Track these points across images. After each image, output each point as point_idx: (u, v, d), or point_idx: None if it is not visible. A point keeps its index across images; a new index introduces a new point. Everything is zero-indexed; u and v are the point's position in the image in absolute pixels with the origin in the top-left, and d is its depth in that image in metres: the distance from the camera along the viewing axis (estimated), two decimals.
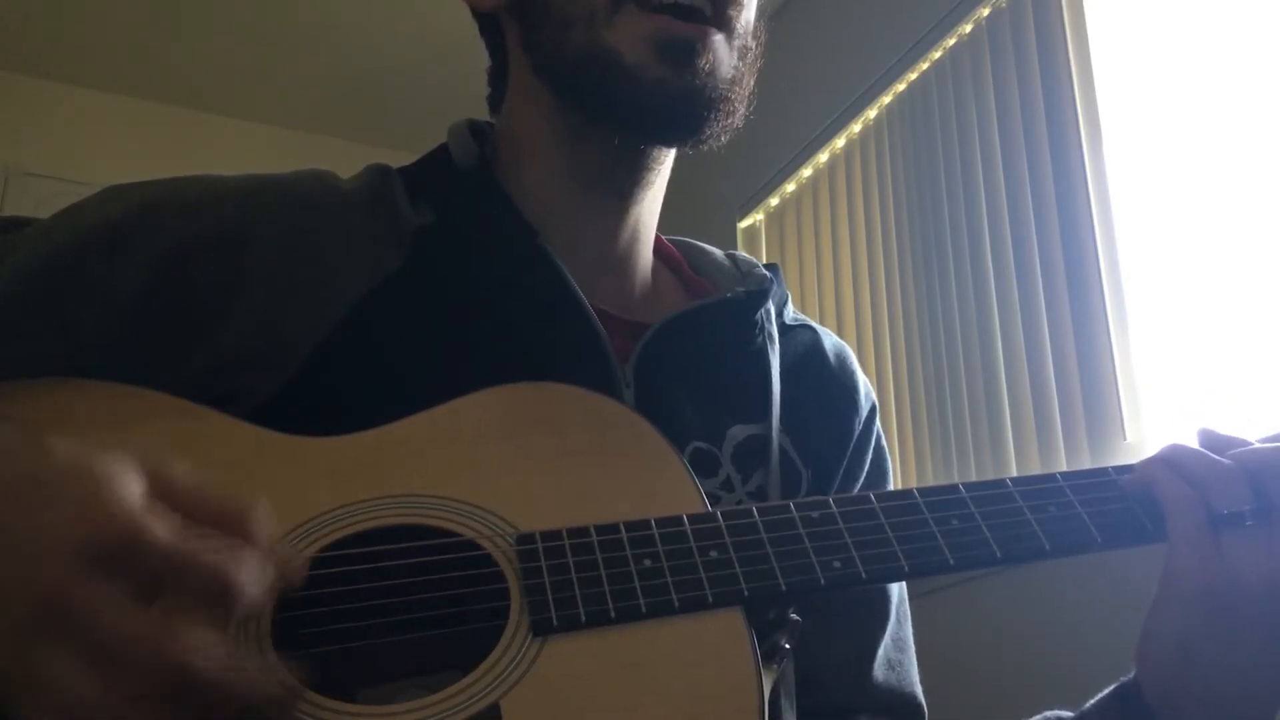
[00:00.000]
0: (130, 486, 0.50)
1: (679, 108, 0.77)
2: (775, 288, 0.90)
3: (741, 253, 0.96)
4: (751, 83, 0.82)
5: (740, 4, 0.80)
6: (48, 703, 0.47)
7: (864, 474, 0.92)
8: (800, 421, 0.86)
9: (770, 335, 0.88)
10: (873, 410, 0.94)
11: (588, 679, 0.57)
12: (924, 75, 2.75)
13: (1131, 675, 0.71)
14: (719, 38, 0.78)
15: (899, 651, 0.90)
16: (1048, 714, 0.78)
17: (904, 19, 2.79)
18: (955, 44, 2.66)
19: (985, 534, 0.66)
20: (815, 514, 0.65)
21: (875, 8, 2.96)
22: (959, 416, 2.42)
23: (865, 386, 0.94)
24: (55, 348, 0.71)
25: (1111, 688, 0.73)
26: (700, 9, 0.77)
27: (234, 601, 0.50)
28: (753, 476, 0.81)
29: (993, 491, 0.68)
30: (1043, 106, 2.35)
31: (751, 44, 0.82)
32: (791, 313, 0.94)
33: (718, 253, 0.95)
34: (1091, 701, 0.74)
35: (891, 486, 0.95)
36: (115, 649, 0.47)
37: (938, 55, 2.70)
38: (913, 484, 2.51)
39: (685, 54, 0.76)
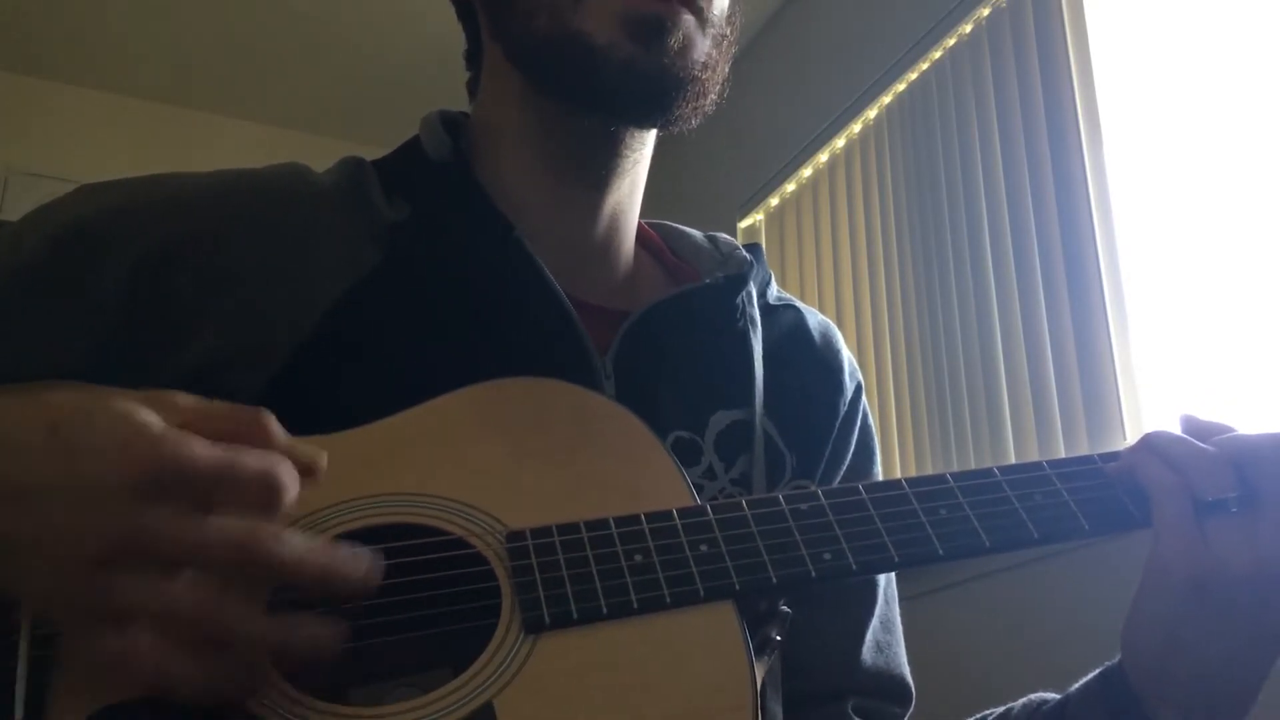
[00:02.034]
0: (150, 417, 0.52)
1: (648, 86, 0.77)
2: (756, 269, 0.89)
3: (722, 235, 0.95)
4: (726, 68, 0.82)
5: None
6: (146, 620, 0.49)
7: (850, 454, 0.91)
8: (784, 405, 0.86)
9: (752, 319, 0.87)
10: (858, 389, 0.93)
11: (581, 676, 0.57)
12: (924, 75, 2.75)
13: (1117, 660, 0.71)
14: (689, 19, 0.77)
15: (887, 634, 0.91)
16: (1033, 696, 0.78)
17: (904, 19, 2.79)
18: (955, 44, 2.65)
19: (974, 523, 0.66)
20: (804, 506, 0.66)
21: (875, 8, 2.96)
22: (959, 417, 2.42)
23: (850, 364, 0.94)
24: (35, 354, 0.71)
25: (1097, 672, 0.73)
26: None
27: (281, 498, 0.53)
28: (736, 463, 0.81)
29: (980, 481, 0.68)
30: (1043, 106, 2.34)
31: (726, 29, 0.82)
32: (775, 292, 0.93)
33: (698, 235, 0.95)
34: (1077, 685, 0.75)
35: (879, 465, 0.95)
36: (197, 551, 0.50)
37: (938, 55, 2.70)
38: None
39: (655, 31, 0.76)
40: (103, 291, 0.72)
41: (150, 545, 0.50)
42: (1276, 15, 1.93)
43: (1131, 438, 2.02)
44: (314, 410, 0.67)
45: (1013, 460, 2.25)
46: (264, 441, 0.55)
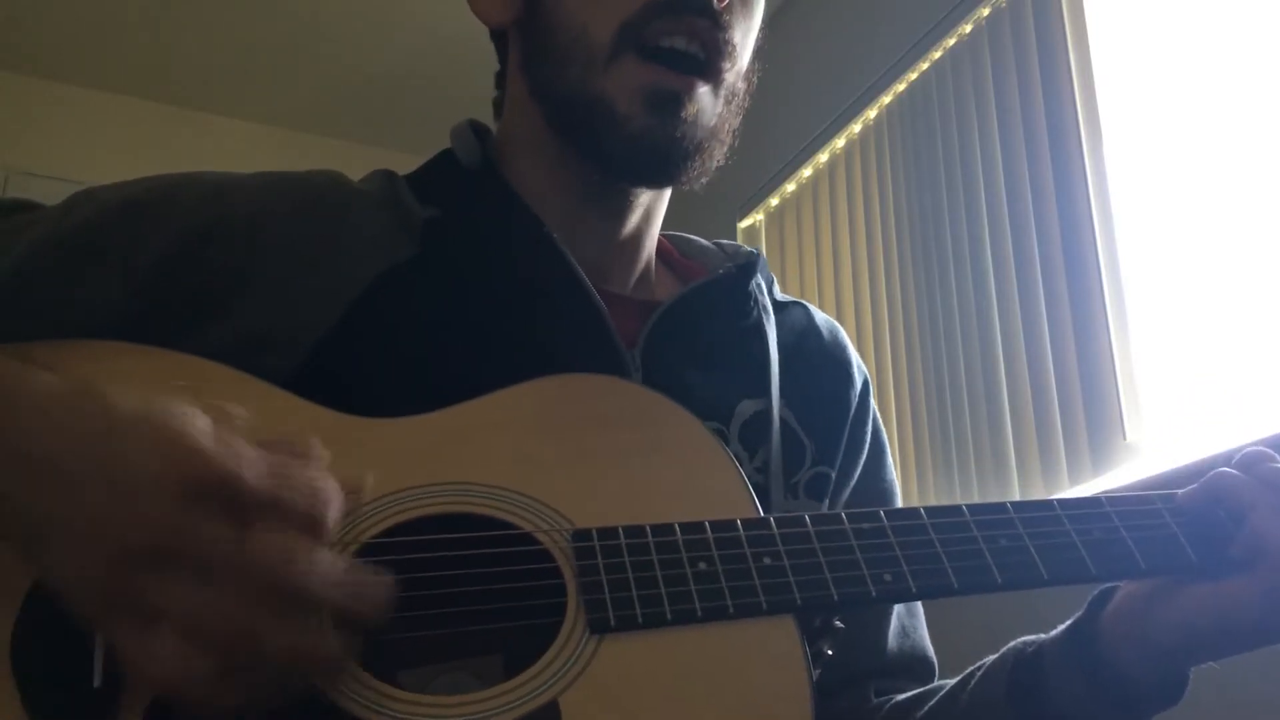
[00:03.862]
0: (204, 423, 0.53)
1: (657, 155, 0.80)
2: (761, 265, 0.92)
3: (725, 240, 0.98)
4: (736, 123, 0.85)
5: (734, 58, 0.82)
6: (171, 627, 0.49)
7: (866, 448, 0.93)
8: (800, 395, 0.88)
9: (765, 308, 0.90)
10: (866, 383, 0.96)
11: (644, 680, 0.58)
12: (924, 75, 2.75)
13: (1088, 620, 0.73)
14: (704, 89, 0.80)
15: (911, 618, 0.93)
16: (1014, 643, 0.80)
17: (904, 19, 2.79)
18: (955, 44, 2.66)
19: (1033, 555, 0.66)
20: (866, 525, 0.66)
21: (875, 8, 2.96)
22: (959, 416, 2.42)
23: (857, 360, 0.97)
24: (72, 317, 0.72)
25: (1067, 630, 0.75)
26: (695, 55, 0.79)
27: (324, 531, 0.53)
28: (758, 452, 0.82)
29: (1040, 513, 0.69)
30: (1043, 106, 2.34)
31: (740, 88, 0.84)
32: (779, 292, 0.96)
33: (702, 240, 0.98)
34: (1050, 637, 0.76)
35: (890, 459, 0.97)
36: (231, 566, 0.50)
37: (938, 55, 2.70)
38: (911, 482, 2.52)
39: (671, 105, 0.79)
40: (142, 263, 0.74)
41: (184, 550, 0.50)
42: (1276, 15, 1.93)
43: (1131, 438, 2.03)
44: (341, 394, 0.69)
45: (1011, 459, 2.26)
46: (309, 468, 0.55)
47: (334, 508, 0.54)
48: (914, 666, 0.90)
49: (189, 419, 0.53)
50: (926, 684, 0.90)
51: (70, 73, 3.68)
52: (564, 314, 0.80)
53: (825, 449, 0.88)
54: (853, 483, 0.92)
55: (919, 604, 0.94)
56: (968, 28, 2.62)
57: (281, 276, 0.75)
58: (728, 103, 0.83)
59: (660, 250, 0.96)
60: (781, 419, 0.85)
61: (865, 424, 0.94)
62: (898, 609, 0.91)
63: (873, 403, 0.96)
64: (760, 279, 0.91)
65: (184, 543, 0.50)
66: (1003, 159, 2.43)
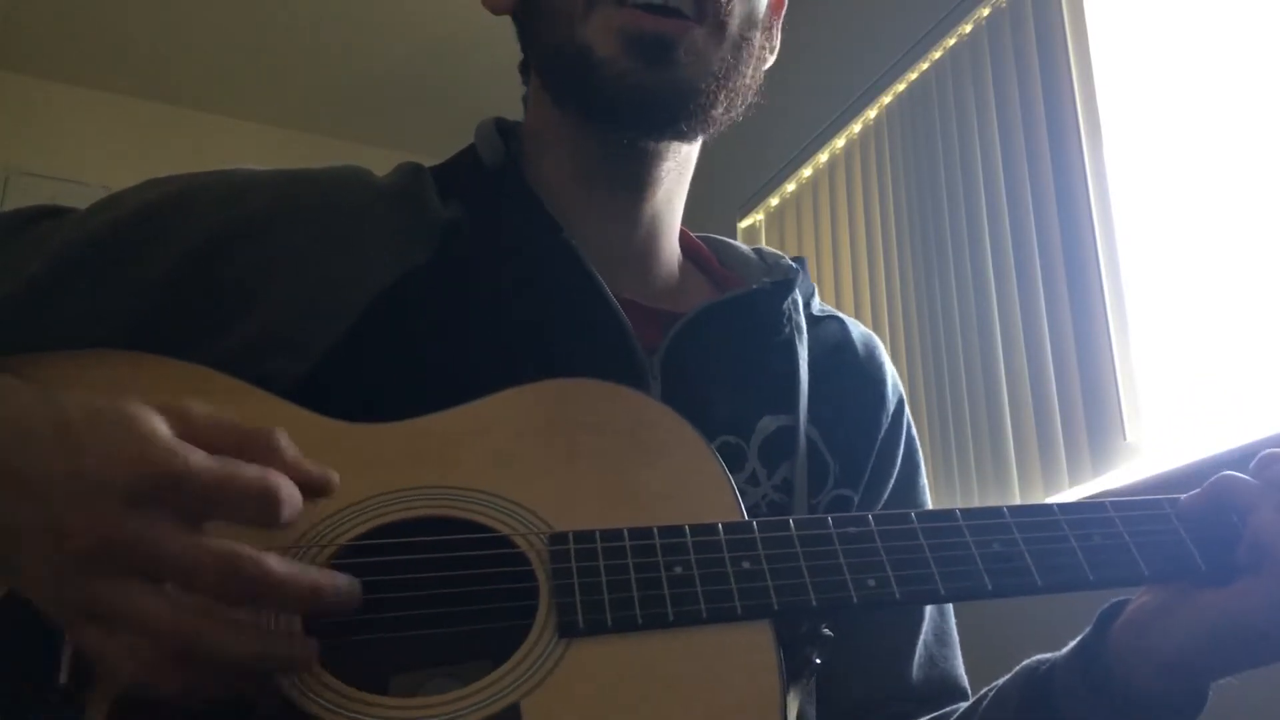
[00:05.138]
0: (155, 423, 0.53)
1: (645, 100, 0.78)
2: (802, 279, 0.90)
3: (768, 247, 0.96)
4: (750, 74, 0.83)
5: (729, 3, 0.79)
6: (125, 628, 0.50)
7: (897, 469, 0.91)
8: (829, 413, 0.86)
9: (798, 326, 0.88)
10: (901, 402, 0.93)
11: (610, 685, 0.57)
12: (924, 75, 2.75)
13: (1096, 634, 0.71)
14: (698, 32, 0.78)
15: (940, 645, 0.90)
16: (1026, 662, 0.78)
17: (904, 19, 2.79)
18: (955, 44, 2.65)
19: (1027, 560, 0.64)
20: (853, 530, 0.64)
21: (875, 8, 2.96)
22: (959, 417, 2.42)
23: (893, 378, 0.94)
24: (86, 325, 0.73)
25: (1075, 645, 0.73)
26: (676, 7, 0.77)
27: (276, 517, 0.53)
28: (779, 469, 0.81)
29: (1038, 518, 0.66)
30: (1043, 106, 2.34)
31: (752, 35, 0.82)
32: (819, 304, 0.94)
33: (744, 247, 0.96)
34: (1062, 655, 0.74)
35: (924, 477, 0.94)
36: (180, 568, 0.51)
37: (938, 55, 2.70)
38: None
39: (654, 49, 0.77)
40: (155, 271, 0.74)
41: (135, 551, 0.51)
42: (1276, 15, 1.93)
43: (1131, 439, 2.02)
44: (354, 399, 0.68)
45: (1011, 458, 2.26)
46: (271, 459, 0.55)
47: (286, 506, 0.53)
48: (940, 696, 0.87)
49: (138, 420, 0.53)
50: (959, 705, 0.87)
51: (70, 73, 3.68)
52: (581, 319, 0.78)
53: (849, 471, 0.86)
54: (880, 506, 0.89)
55: (951, 633, 0.91)
56: (968, 28, 2.62)
57: (296, 283, 0.75)
58: (735, 49, 0.80)
59: (697, 254, 0.95)
60: (806, 437, 0.83)
61: (896, 445, 0.91)
62: (925, 638, 0.88)
63: (907, 421, 0.93)
64: (799, 294, 0.89)
65: (133, 544, 0.51)
66: (1003, 159, 2.43)
